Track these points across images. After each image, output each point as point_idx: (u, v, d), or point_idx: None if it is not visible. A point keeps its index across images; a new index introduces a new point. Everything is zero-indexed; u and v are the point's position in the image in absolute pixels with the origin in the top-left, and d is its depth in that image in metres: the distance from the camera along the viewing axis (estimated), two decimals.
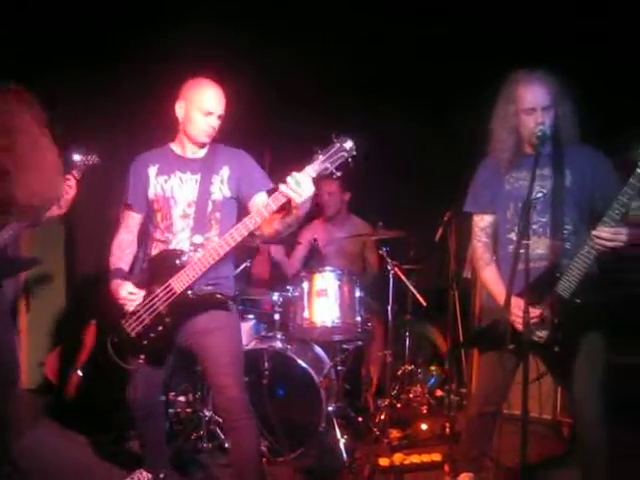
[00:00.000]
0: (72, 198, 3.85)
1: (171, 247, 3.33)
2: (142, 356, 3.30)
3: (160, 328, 3.26)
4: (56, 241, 5.59)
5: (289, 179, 2.92)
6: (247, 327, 4.84)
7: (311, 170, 2.94)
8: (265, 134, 5.77)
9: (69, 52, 4.97)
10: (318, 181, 2.98)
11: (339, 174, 2.98)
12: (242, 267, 4.80)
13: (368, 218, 5.53)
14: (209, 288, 3.28)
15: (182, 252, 3.28)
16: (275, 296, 4.63)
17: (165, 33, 5.02)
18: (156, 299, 3.24)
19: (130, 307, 3.28)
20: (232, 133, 3.52)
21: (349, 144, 2.95)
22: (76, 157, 3.83)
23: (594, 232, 2.87)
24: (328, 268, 4.74)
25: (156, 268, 3.33)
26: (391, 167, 5.68)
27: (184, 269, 3.20)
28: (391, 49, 5.43)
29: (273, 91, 5.50)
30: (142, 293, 3.28)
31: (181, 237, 3.33)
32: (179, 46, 4.94)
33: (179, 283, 3.20)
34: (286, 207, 3.06)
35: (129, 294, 3.28)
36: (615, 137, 3.32)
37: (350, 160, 2.96)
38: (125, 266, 3.45)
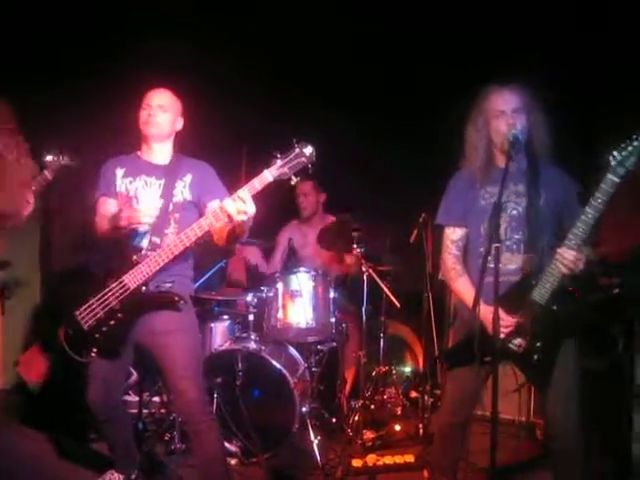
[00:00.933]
0: (28, 211, 3.88)
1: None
2: (94, 349, 3.30)
3: (112, 322, 3.27)
4: (31, 242, 5.55)
5: (234, 197, 3.01)
6: (221, 328, 4.84)
7: (268, 174, 3.00)
8: (242, 135, 5.78)
9: (40, 59, 4.99)
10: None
11: (297, 180, 3.01)
12: (217, 267, 4.79)
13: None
14: (165, 286, 3.30)
15: (139, 249, 3.31)
16: (249, 297, 4.62)
17: (136, 43, 5.07)
18: (110, 293, 3.27)
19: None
20: (209, 134, 3.54)
21: (309, 150, 3.00)
22: (48, 158, 3.89)
23: (559, 250, 2.89)
24: (302, 269, 4.74)
25: (112, 263, 3.36)
26: (366, 168, 5.69)
27: (138, 265, 3.23)
28: (368, 49, 5.47)
29: (250, 92, 5.51)
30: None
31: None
32: (150, 55, 4.96)
33: (133, 279, 3.24)
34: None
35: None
36: (589, 148, 3.35)
37: (310, 166, 2.99)
38: None
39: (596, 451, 3.93)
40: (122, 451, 3.68)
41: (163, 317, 3.31)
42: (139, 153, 3.59)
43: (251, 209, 3.03)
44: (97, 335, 3.29)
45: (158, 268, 3.23)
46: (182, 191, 3.45)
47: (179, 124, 3.57)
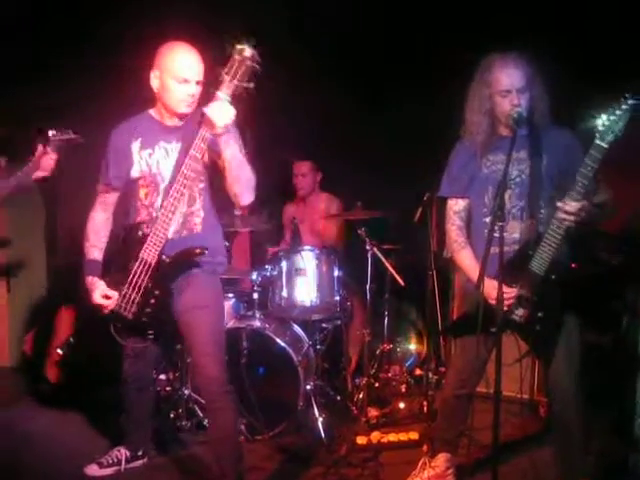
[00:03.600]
0: (54, 163, 3.86)
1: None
2: (149, 332, 3.29)
3: (153, 301, 3.19)
4: (37, 221, 5.56)
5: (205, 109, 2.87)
6: (226, 306, 4.83)
7: (223, 95, 2.86)
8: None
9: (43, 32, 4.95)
10: (292, 163, 2.93)
11: (252, 85, 2.88)
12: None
13: (346, 199, 5.55)
14: (193, 291, 3.24)
15: (141, 223, 3.22)
16: (254, 275, 4.63)
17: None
18: (136, 276, 3.18)
19: (106, 310, 3.23)
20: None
21: (248, 51, 2.82)
22: (50, 133, 3.78)
23: (559, 203, 2.88)
24: (307, 247, 4.75)
25: (126, 247, 3.27)
26: (369, 147, 5.68)
27: (148, 237, 3.14)
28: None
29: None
30: (115, 295, 3.21)
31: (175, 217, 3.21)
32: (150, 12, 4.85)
33: (150, 253, 3.14)
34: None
35: (103, 298, 3.22)
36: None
37: (258, 67, 2.84)
38: (99, 254, 3.39)
39: (599, 426, 3.96)
40: (137, 424, 3.74)
41: (192, 294, 3.25)
42: (152, 113, 3.31)
43: (231, 112, 2.87)
44: (145, 319, 3.22)
45: (167, 229, 3.11)
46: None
47: None
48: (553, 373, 3.14)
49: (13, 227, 5.08)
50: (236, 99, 2.88)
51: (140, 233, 3.19)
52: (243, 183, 3.10)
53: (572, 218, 2.87)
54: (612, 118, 2.74)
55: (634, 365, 3.72)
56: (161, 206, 3.18)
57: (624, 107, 2.74)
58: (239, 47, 2.82)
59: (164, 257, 3.16)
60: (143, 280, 3.17)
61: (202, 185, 3.25)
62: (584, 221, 2.90)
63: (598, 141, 2.77)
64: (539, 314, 3.05)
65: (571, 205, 2.85)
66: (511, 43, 3.15)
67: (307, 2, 5.21)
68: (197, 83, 3.12)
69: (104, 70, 5.08)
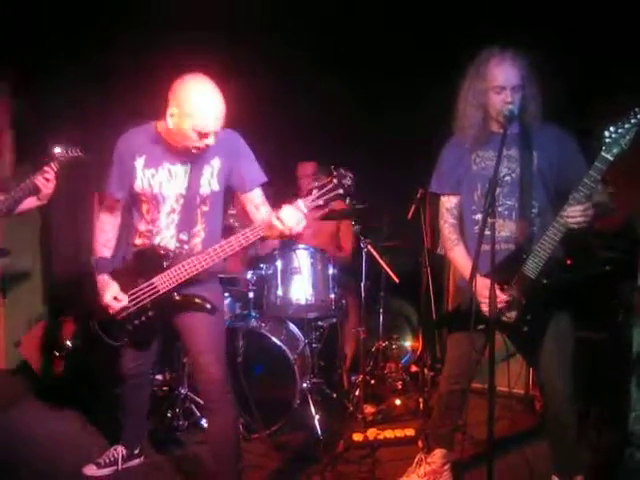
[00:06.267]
0: (52, 191, 3.85)
1: (156, 242, 3.21)
2: (126, 338, 3.30)
3: (143, 318, 3.23)
4: (33, 229, 5.57)
5: (279, 215, 2.87)
6: None
7: (302, 205, 2.89)
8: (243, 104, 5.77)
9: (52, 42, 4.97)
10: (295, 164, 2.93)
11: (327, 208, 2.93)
12: None
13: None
14: (193, 290, 3.20)
15: (169, 252, 3.18)
16: (249, 274, 4.64)
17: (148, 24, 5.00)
18: (140, 292, 3.19)
19: (112, 311, 3.23)
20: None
21: (347, 181, 2.86)
22: (57, 150, 3.78)
23: (564, 214, 2.86)
24: (301, 246, 4.75)
25: (141, 262, 3.23)
26: (363, 145, 5.69)
27: (170, 270, 3.12)
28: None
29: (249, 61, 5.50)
30: (126, 299, 3.21)
31: (165, 234, 3.21)
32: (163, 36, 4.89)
33: (164, 284, 3.14)
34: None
35: (113, 300, 3.21)
36: (584, 116, 3.34)
37: (345, 196, 2.93)
38: (109, 253, 3.38)
39: (593, 421, 3.98)
40: (134, 422, 3.75)
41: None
42: (159, 129, 3.18)
43: (302, 224, 2.91)
44: (129, 326, 3.25)
45: (191, 276, 3.10)
46: (210, 181, 3.17)
47: None
48: (544, 370, 3.15)
49: (9, 236, 5.08)
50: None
51: (165, 263, 3.16)
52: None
53: (580, 220, 2.86)
54: (620, 131, 2.72)
55: (629, 360, 3.74)
56: (186, 242, 3.20)
57: (633, 121, 2.73)
58: (344, 172, 2.87)
59: (175, 294, 3.18)
60: (144, 299, 3.20)
61: (206, 209, 3.23)
62: (588, 223, 2.88)
63: (604, 153, 2.76)
64: (528, 316, 3.07)
65: (575, 210, 2.84)
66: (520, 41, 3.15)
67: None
68: (215, 134, 3.02)
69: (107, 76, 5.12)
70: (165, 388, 4.77)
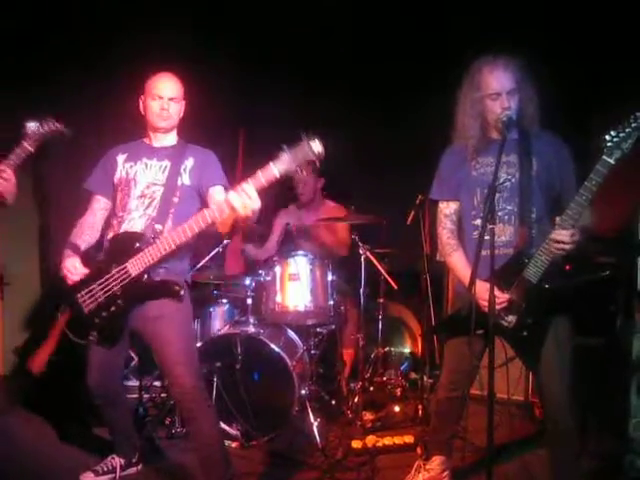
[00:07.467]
0: (14, 189, 3.50)
1: (124, 225, 3.36)
2: (94, 333, 3.31)
3: (113, 308, 3.27)
4: (30, 228, 5.56)
5: (238, 190, 2.90)
6: (220, 312, 4.87)
7: (274, 168, 2.87)
8: (240, 115, 5.78)
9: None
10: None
11: (304, 173, 2.94)
12: (214, 252, 4.80)
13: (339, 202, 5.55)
14: (161, 272, 3.29)
15: (141, 235, 3.29)
16: (248, 281, 4.64)
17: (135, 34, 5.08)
18: (111, 279, 3.26)
19: (69, 280, 3.32)
20: (206, 119, 3.51)
21: (317, 146, 2.86)
22: (30, 125, 3.45)
23: (552, 236, 2.89)
24: (300, 252, 4.74)
25: (115, 249, 3.36)
26: (363, 151, 5.69)
27: (141, 252, 3.21)
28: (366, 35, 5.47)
29: (248, 72, 5.51)
30: (84, 271, 3.32)
31: (134, 215, 3.37)
32: (147, 40, 4.94)
33: (135, 267, 3.22)
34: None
35: (72, 267, 3.31)
36: (581, 120, 3.34)
37: (317, 163, 2.93)
38: (81, 243, 3.47)
39: (593, 428, 3.97)
40: (122, 436, 3.73)
41: (157, 303, 3.30)
42: (145, 140, 3.59)
43: (256, 204, 2.92)
44: (97, 320, 3.28)
45: (160, 257, 3.19)
46: (182, 175, 3.43)
47: (183, 108, 3.55)
48: (544, 377, 3.14)
49: (5, 234, 5.06)
50: (280, 179, 2.91)
51: (137, 244, 3.25)
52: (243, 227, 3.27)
53: (564, 248, 2.88)
54: (621, 135, 2.72)
55: (628, 366, 3.73)
56: (161, 232, 3.30)
57: (634, 125, 2.73)
58: (312, 137, 2.87)
59: (146, 276, 3.25)
60: (115, 286, 3.26)
61: (176, 200, 3.40)
62: (575, 250, 2.91)
63: (605, 157, 2.75)
64: (528, 320, 3.06)
65: (563, 234, 2.86)
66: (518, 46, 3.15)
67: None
68: (170, 100, 3.45)
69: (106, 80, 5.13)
70: (163, 395, 4.75)
